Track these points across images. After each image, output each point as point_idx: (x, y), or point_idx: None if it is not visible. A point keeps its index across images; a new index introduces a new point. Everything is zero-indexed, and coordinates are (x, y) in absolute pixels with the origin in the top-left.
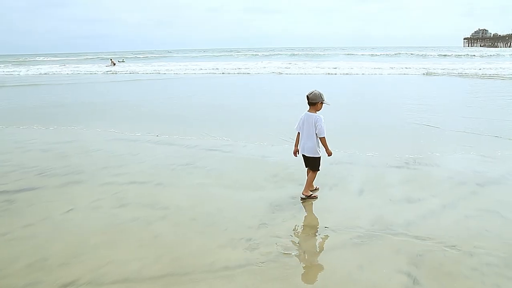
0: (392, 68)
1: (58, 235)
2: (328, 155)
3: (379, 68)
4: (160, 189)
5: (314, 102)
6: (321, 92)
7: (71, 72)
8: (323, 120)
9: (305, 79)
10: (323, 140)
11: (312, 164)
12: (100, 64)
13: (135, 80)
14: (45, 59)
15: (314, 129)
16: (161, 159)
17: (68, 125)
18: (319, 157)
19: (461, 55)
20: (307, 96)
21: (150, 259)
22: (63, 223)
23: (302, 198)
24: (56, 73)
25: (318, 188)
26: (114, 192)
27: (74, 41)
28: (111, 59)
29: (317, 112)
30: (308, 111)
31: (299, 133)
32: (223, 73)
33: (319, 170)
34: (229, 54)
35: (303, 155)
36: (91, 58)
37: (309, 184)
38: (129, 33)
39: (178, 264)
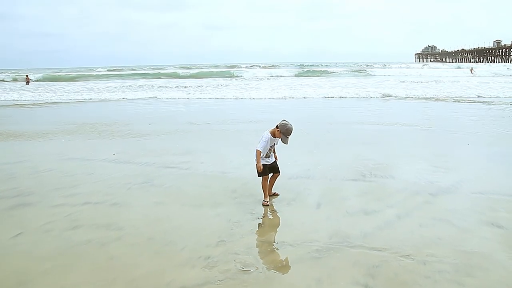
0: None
1: (5, 261)
2: (257, 168)
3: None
4: (115, 209)
5: (276, 126)
6: (290, 127)
7: None
8: (263, 138)
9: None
10: (256, 152)
11: None
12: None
13: None
14: None
15: None
16: (117, 178)
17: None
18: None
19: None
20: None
21: (104, 282)
22: (11, 248)
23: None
24: None
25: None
26: (67, 213)
27: (20, 56)
28: (26, 76)
29: (271, 133)
30: None
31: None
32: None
33: (258, 176)
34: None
35: None
36: None
37: (264, 191)
38: (80, 48)
39: (134, 286)
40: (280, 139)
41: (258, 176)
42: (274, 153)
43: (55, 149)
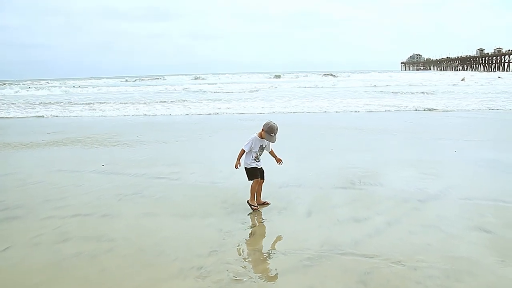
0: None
1: None
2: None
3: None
4: (105, 220)
5: (262, 127)
6: (273, 125)
7: None
8: (250, 138)
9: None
10: (240, 150)
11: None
12: None
13: None
14: None
15: None
16: (107, 189)
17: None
18: (245, 168)
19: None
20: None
21: None
22: (0, 262)
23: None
24: None
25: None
26: (56, 226)
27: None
28: None
29: (258, 134)
30: None
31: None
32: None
33: (248, 180)
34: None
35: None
36: None
37: (252, 194)
38: (67, 59)
39: None
40: (268, 141)
41: (249, 179)
42: (275, 156)
43: (42, 161)
